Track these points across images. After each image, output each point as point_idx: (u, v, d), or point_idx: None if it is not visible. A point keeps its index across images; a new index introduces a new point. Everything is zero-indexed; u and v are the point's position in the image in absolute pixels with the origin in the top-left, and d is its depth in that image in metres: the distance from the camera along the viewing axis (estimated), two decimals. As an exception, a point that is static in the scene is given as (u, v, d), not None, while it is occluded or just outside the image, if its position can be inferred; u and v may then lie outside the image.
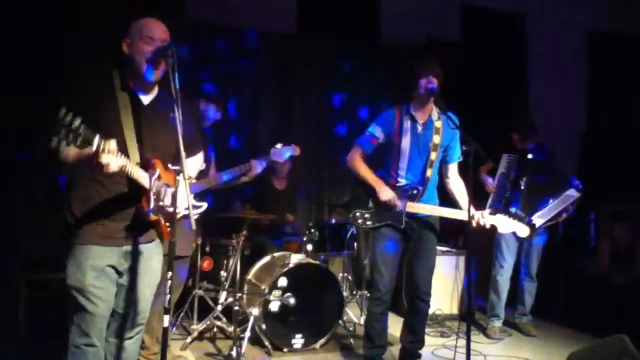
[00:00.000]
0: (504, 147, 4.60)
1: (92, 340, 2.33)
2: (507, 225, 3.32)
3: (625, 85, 7.09)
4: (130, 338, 2.50)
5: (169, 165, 2.41)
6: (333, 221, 4.81)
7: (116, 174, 2.18)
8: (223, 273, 4.33)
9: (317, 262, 4.32)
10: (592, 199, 6.31)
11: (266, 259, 4.36)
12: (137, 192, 2.35)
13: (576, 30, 6.91)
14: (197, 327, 4.16)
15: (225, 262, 4.39)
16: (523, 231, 3.33)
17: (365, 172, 3.47)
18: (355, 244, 4.92)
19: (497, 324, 4.70)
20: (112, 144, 2.08)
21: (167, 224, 2.46)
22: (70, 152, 2.16)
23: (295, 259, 4.13)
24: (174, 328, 4.29)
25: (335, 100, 6.08)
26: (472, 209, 3.14)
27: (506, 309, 4.75)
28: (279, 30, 5.75)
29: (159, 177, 2.38)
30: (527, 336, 4.73)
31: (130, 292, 2.43)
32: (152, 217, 2.39)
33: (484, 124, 4.79)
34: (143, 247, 2.45)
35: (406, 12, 6.12)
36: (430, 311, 3.64)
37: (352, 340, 4.26)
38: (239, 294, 4.11)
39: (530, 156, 4.52)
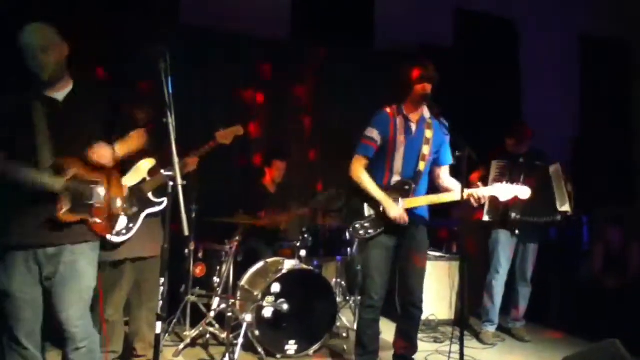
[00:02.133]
0: (497, 153, 4.62)
1: (23, 343, 2.39)
2: (506, 191, 3.33)
3: (618, 89, 7.14)
4: (77, 349, 2.47)
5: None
6: (326, 226, 4.80)
7: None
8: (216, 279, 4.31)
9: (311, 267, 4.31)
10: (586, 203, 6.36)
11: (259, 264, 4.34)
12: (51, 193, 2.40)
13: (569, 35, 6.96)
14: (190, 333, 4.14)
15: (218, 268, 4.37)
16: (524, 192, 3.34)
17: (371, 186, 3.40)
18: (349, 250, 4.90)
19: (491, 329, 4.70)
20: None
21: (98, 221, 2.50)
22: None
23: (289, 264, 4.11)
24: (167, 335, 4.26)
25: (329, 104, 6.07)
26: (466, 190, 3.15)
27: (500, 315, 4.75)
28: (273, 36, 5.74)
29: (74, 177, 2.43)
30: (520, 341, 4.73)
31: (55, 298, 2.44)
32: (65, 218, 2.42)
33: (477, 129, 4.80)
34: (67, 249, 2.46)
35: (400, 17, 6.15)
36: (424, 317, 3.64)
37: (345, 346, 4.25)
38: (232, 300, 4.09)
39: (521, 160, 4.53)
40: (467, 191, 3.21)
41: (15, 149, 2.32)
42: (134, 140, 2.75)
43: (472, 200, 3.26)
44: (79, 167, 2.45)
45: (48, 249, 2.42)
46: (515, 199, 3.44)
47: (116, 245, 3.24)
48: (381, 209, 3.35)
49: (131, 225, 3.29)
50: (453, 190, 3.41)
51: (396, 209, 3.32)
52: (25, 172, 2.32)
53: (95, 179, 2.50)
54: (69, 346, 2.46)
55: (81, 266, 2.48)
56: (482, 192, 3.28)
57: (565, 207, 4.46)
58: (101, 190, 2.50)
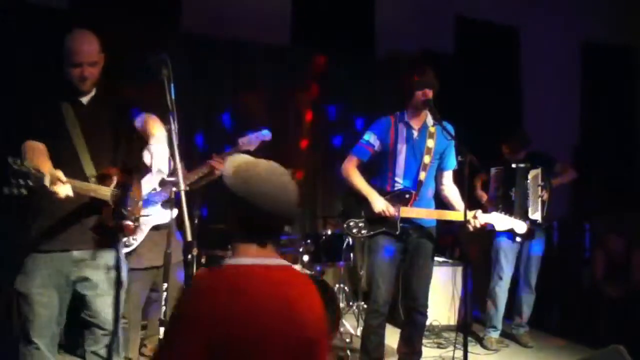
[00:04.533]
0: (494, 160, 4.64)
1: (36, 343, 2.41)
2: (502, 222, 3.33)
3: (618, 97, 7.15)
4: (95, 353, 2.53)
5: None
6: (329, 231, 4.79)
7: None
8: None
9: (313, 273, 4.31)
10: (587, 210, 6.37)
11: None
12: (95, 201, 2.44)
13: (570, 43, 6.97)
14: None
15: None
16: (520, 227, 3.34)
17: (359, 181, 3.46)
18: (352, 255, 4.90)
19: (494, 335, 4.69)
20: (60, 174, 2.21)
21: (130, 223, 2.55)
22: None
23: (291, 270, 4.10)
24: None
25: (331, 111, 6.09)
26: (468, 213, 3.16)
27: (504, 320, 4.74)
28: (274, 42, 5.76)
29: (117, 185, 2.49)
30: (523, 347, 4.72)
31: (90, 301, 2.50)
32: (111, 224, 2.48)
33: (478, 136, 4.80)
34: (99, 253, 2.50)
35: (401, 24, 6.16)
36: (427, 322, 3.62)
37: (348, 352, 4.23)
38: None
39: (513, 165, 4.53)
40: (468, 214, 3.23)
41: (58, 159, 2.35)
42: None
43: (470, 227, 3.27)
44: (118, 174, 2.52)
45: (80, 252, 2.47)
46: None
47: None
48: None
49: (137, 236, 3.28)
50: (455, 206, 3.43)
51: (381, 202, 3.33)
52: (79, 184, 2.35)
53: (129, 182, 2.57)
54: (91, 347, 2.53)
55: (109, 269, 2.54)
56: (480, 221, 3.29)
57: (536, 216, 4.42)
58: (133, 195, 2.57)
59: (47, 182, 2.12)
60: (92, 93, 2.59)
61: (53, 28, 4.64)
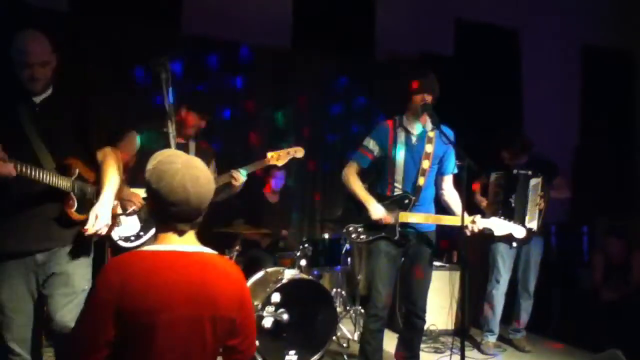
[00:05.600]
0: (494, 164, 4.63)
1: (16, 350, 2.39)
2: (501, 227, 3.32)
3: (618, 99, 7.15)
4: None
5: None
6: (327, 236, 4.79)
7: (20, 180, 2.24)
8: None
9: (311, 277, 4.30)
10: (586, 213, 6.36)
11: (259, 274, 4.32)
12: (50, 194, 2.39)
13: (570, 45, 6.97)
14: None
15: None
16: (519, 232, 3.33)
17: (358, 188, 3.45)
18: (349, 259, 4.89)
19: (492, 339, 4.68)
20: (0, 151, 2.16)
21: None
22: None
23: (289, 274, 4.10)
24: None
25: (331, 114, 6.09)
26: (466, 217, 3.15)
27: (501, 325, 4.74)
28: (274, 44, 5.76)
29: (79, 176, 2.46)
30: (521, 352, 4.71)
31: (50, 301, 2.45)
32: (75, 216, 2.44)
33: (478, 139, 4.81)
34: (61, 251, 2.45)
35: (401, 27, 6.16)
36: (425, 327, 3.62)
37: (346, 357, 4.23)
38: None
39: (515, 171, 4.52)
40: (467, 219, 3.21)
41: (16, 156, 2.28)
42: (130, 143, 2.77)
43: (467, 232, 3.26)
44: (81, 166, 2.48)
45: (43, 254, 2.42)
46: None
47: (123, 250, 3.22)
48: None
49: (142, 233, 3.27)
50: (454, 211, 3.42)
51: (378, 210, 3.32)
52: (33, 172, 2.29)
53: (91, 178, 2.54)
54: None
55: (73, 267, 2.48)
56: (479, 226, 3.27)
57: (532, 224, 4.38)
58: (94, 191, 2.54)
59: None
60: (48, 93, 2.52)
61: (53, 30, 4.67)
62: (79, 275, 2.50)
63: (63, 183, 2.40)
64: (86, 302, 1.77)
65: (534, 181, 4.45)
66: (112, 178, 2.54)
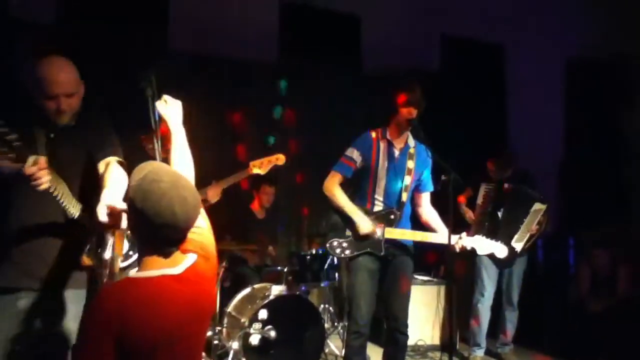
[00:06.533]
0: (480, 177, 4.65)
1: None
2: (485, 246, 3.31)
3: (602, 111, 7.23)
4: None
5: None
6: (314, 251, 4.76)
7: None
8: (203, 305, 4.24)
9: (298, 293, 4.27)
10: (571, 225, 6.40)
11: (246, 290, 4.29)
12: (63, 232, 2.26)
13: (555, 60, 7.05)
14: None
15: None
16: (501, 251, 3.33)
17: (343, 200, 3.39)
18: (337, 275, 4.86)
19: (479, 353, 4.68)
20: (44, 160, 1.99)
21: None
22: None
23: (276, 290, 4.08)
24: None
25: (318, 128, 6.09)
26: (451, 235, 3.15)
27: (488, 339, 4.73)
28: (260, 58, 5.77)
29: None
30: (509, 365, 4.71)
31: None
32: (87, 262, 2.30)
33: (463, 153, 4.82)
34: (64, 294, 2.30)
35: (387, 41, 6.20)
36: (412, 342, 3.60)
37: (333, 373, 4.21)
38: (219, 327, 4.03)
39: (506, 185, 4.54)
40: (453, 238, 3.21)
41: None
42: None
43: (457, 248, 3.26)
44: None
45: (46, 293, 2.28)
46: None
47: None
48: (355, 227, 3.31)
49: (131, 252, 3.23)
50: (436, 229, 3.40)
51: (367, 224, 3.29)
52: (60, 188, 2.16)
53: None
54: None
55: (69, 311, 2.34)
56: (463, 244, 3.26)
57: (517, 246, 4.38)
58: (110, 242, 2.34)
59: (31, 159, 1.94)
60: (72, 124, 2.34)
61: (40, 44, 4.64)
62: (73, 322, 2.36)
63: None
64: (83, 332, 1.67)
65: (537, 206, 4.42)
66: (113, 175, 2.36)
